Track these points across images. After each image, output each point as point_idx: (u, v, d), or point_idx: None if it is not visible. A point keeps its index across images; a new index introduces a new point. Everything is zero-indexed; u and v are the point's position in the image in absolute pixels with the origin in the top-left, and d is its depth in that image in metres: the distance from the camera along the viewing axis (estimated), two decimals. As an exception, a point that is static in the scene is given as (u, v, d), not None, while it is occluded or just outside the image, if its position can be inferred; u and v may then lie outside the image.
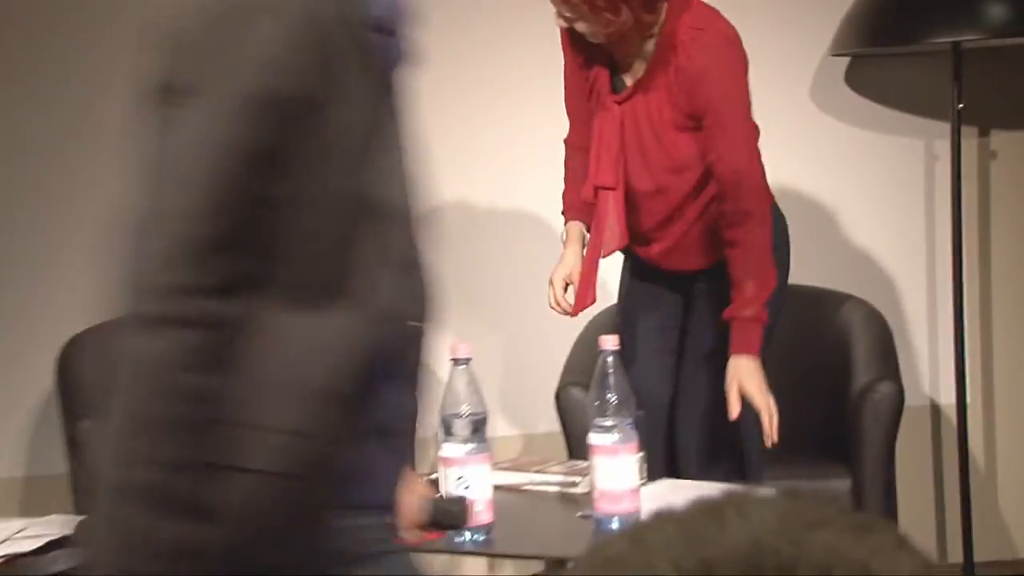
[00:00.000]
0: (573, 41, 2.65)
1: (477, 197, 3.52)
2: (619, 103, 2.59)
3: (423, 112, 1.87)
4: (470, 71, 3.47)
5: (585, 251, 2.59)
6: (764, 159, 2.72)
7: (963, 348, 3.39)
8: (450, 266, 2.60)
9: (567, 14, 2.50)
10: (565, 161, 2.75)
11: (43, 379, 3.04)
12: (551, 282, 2.62)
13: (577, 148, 2.69)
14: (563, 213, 2.74)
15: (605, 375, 2.28)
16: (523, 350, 3.38)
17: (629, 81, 2.62)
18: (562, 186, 2.77)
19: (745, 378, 2.48)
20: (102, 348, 2.64)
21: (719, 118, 2.50)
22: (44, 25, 3.49)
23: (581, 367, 2.87)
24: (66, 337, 2.92)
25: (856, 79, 3.60)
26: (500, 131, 3.53)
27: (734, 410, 2.46)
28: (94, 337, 2.90)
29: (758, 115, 2.78)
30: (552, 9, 2.56)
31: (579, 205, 2.68)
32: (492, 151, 3.54)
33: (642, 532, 0.44)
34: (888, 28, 3.27)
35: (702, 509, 0.44)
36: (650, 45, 2.60)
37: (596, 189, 2.60)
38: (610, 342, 2.32)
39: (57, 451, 2.94)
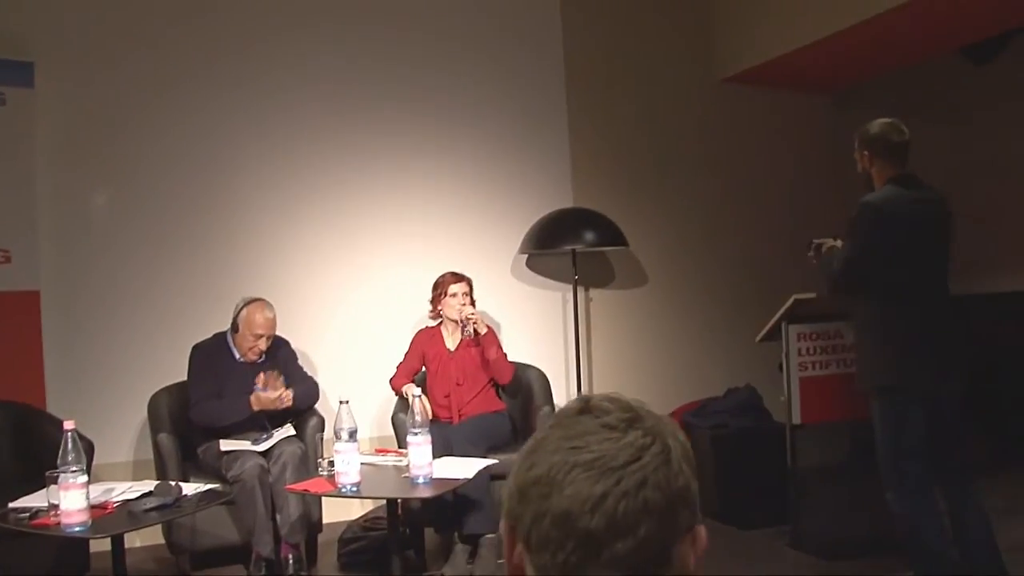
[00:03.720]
0: (417, 341, 4.74)
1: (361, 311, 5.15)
2: (453, 352, 4.66)
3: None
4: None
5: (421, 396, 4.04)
6: (492, 304, 5.01)
7: (580, 389, 5.34)
8: (342, 349, 4.50)
9: (467, 294, 4.64)
10: (397, 378, 4.66)
11: (141, 412, 4.48)
12: (411, 394, 4.03)
13: (407, 373, 4.67)
14: (397, 385, 4.63)
15: (412, 407, 3.67)
16: (375, 393, 4.95)
17: (452, 345, 4.69)
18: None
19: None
20: (176, 397, 4.54)
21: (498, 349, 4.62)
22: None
23: (401, 405, 4.68)
24: (152, 390, 4.42)
25: (532, 264, 5.54)
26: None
27: (482, 328, 4.54)
28: (166, 391, 4.45)
29: (489, 280, 5.02)
30: None
31: (406, 382, 4.61)
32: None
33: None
34: (544, 241, 5.19)
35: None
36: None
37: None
38: (415, 390, 4.17)
39: (148, 447, 4.42)
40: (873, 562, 3.98)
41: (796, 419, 4.23)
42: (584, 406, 0.88)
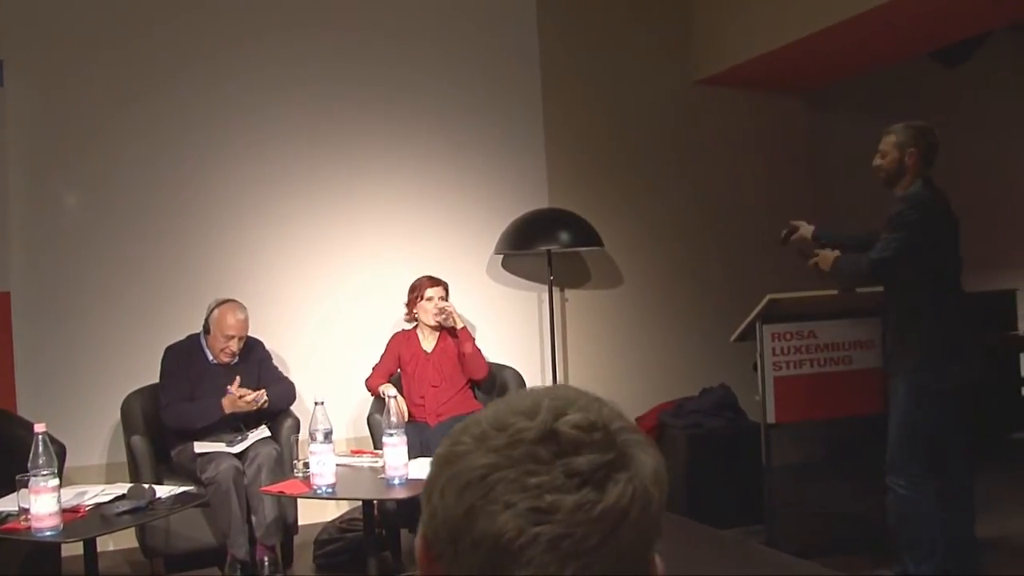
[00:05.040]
0: (394, 343, 4.76)
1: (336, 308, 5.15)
2: (429, 354, 4.72)
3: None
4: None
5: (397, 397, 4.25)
6: (468, 305, 5.00)
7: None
8: (317, 350, 4.51)
9: (443, 298, 4.68)
10: (372, 379, 4.67)
11: (115, 414, 4.44)
12: (387, 395, 4.04)
13: (383, 374, 4.69)
14: (373, 385, 4.65)
15: (388, 408, 3.63)
16: (351, 394, 4.95)
17: (429, 347, 4.73)
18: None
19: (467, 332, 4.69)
20: (149, 399, 4.51)
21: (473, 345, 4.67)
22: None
23: (377, 406, 4.67)
24: (125, 392, 4.39)
25: (508, 265, 5.55)
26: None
27: (459, 322, 4.65)
28: (139, 393, 4.42)
29: (465, 281, 5.04)
30: None
31: (382, 383, 4.62)
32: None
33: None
34: (519, 241, 5.21)
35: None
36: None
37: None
38: (391, 391, 4.24)
39: (121, 450, 4.41)
40: (847, 560, 4.01)
41: (771, 418, 4.25)
42: (548, 433, 0.70)
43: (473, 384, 4.86)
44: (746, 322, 4.30)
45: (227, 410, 4.23)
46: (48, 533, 3.03)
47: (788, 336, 4.29)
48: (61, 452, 3.68)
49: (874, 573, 3.78)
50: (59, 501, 3.07)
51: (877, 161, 3.74)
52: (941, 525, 3.56)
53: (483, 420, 0.74)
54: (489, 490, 0.68)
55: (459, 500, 0.70)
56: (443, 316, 4.72)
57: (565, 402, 0.73)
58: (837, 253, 3.81)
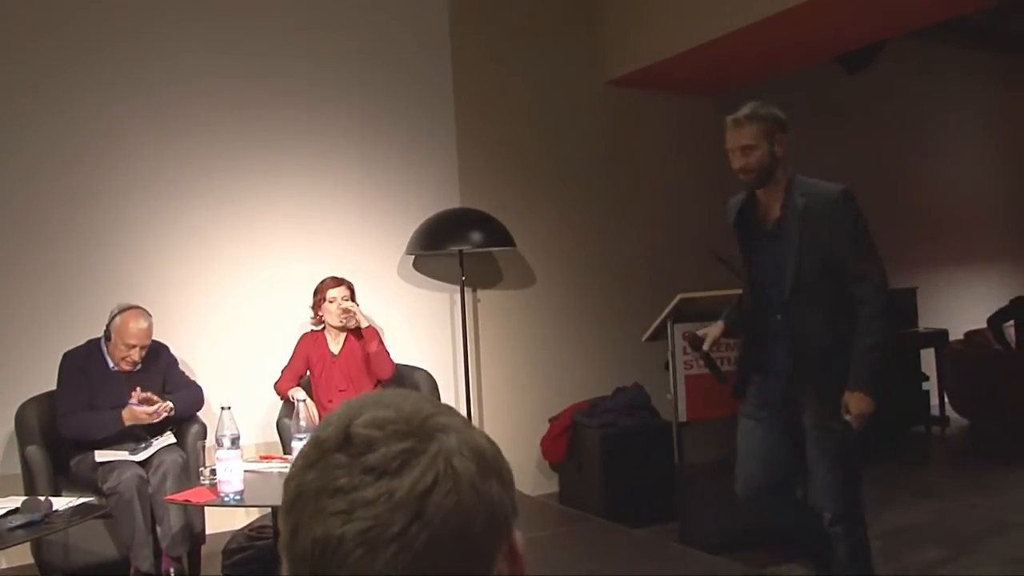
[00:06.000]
0: (303, 344, 4.74)
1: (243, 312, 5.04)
2: (336, 356, 4.72)
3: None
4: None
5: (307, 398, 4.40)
6: (379, 306, 4.97)
7: (468, 390, 5.31)
8: (224, 353, 4.44)
9: (347, 298, 4.65)
10: (281, 383, 4.67)
11: (8, 424, 4.28)
12: (296, 398, 4.04)
13: (292, 377, 4.67)
14: (283, 388, 4.64)
15: (297, 412, 3.66)
16: (259, 398, 4.90)
17: (336, 349, 4.72)
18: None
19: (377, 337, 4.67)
20: (46, 407, 4.32)
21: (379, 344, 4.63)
22: None
23: (286, 410, 4.63)
24: (20, 400, 4.21)
25: (419, 265, 5.51)
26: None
27: (363, 321, 4.65)
28: (36, 401, 4.25)
29: (375, 282, 5.00)
30: None
31: (291, 386, 4.61)
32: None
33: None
34: (431, 241, 5.15)
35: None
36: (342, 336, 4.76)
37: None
38: (300, 394, 4.22)
39: (15, 462, 4.22)
40: (758, 555, 4.08)
41: (682, 417, 4.31)
42: (344, 438, 0.72)
43: (381, 386, 4.80)
44: (657, 321, 4.35)
45: (127, 422, 4.09)
46: (-66, 551, 2.90)
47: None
48: (-51, 465, 3.50)
49: (782, 567, 3.84)
50: (-55, 518, 2.93)
51: (742, 161, 3.09)
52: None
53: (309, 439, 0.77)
54: (305, 505, 0.71)
55: (286, 523, 0.73)
56: (346, 316, 4.70)
57: (364, 405, 0.76)
58: (863, 390, 3.02)
